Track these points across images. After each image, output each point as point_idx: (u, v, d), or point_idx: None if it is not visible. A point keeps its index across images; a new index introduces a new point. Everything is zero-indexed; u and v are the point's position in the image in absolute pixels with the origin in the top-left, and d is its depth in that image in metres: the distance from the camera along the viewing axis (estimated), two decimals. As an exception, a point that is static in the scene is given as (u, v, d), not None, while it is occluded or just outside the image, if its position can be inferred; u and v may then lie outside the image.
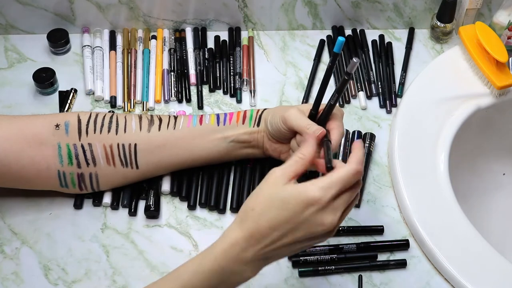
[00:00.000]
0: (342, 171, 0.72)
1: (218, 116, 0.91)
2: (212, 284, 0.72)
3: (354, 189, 0.74)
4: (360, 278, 0.87)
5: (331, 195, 0.71)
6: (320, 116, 0.84)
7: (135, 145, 0.89)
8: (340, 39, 0.77)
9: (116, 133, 0.89)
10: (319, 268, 0.87)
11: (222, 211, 0.93)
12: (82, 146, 0.88)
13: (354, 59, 0.76)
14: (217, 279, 0.72)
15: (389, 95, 1.07)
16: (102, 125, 0.89)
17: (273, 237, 0.71)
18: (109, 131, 0.89)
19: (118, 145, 0.88)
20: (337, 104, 0.85)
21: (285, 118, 0.85)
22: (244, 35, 1.14)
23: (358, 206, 0.94)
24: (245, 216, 0.72)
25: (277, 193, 0.72)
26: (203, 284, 0.72)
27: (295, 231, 0.71)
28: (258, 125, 0.90)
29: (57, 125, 0.87)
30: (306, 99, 1.06)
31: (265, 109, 0.91)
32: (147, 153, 0.89)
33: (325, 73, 0.83)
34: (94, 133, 0.88)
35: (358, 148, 0.76)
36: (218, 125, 0.90)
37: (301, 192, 0.71)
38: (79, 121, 0.88)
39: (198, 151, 0.90)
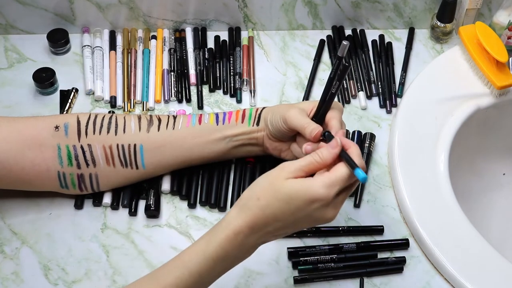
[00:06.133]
0: (346, 169, 0.74)
1: (217, 115, 0.91)
2: (217, 269, 0.75)
3: (353, 186, 0.77)
4: (361, 280, 0.87)
5: (335, 193, 0.73)
6: (321, 109, 0.84)
7: (135, 145, 0.89)
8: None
9: (116, 134, 0.89)
10: (319, 266, 0.87)
11: (222, 209, 0.93)
12: (82, 147, 0.88)
13: (344, 42, 0.76)
14: (222, 263, 0.75)
15: (389, 95, 1.07)
16: (102, 126, 0.89)
17: (276, 226, 0.74)
18: (108, 132, 0.89)
19: (117, 146, 0.88)
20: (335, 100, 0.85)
21: (285, 118, 0.85)
22: (244, 35, 1.14)
23: (358, 206, 0.94)
24: (249, 204, 0.74)
25: (284, 186, 0.73)
26: (209, 270, 0.75)
27: (297, 222, 0.75)
28: (257, 124, 0.90)
29: (56, 127, 0.87)
30: (306, 99, 1.06)
31: (264, 107, 0.91)
32: (147, 153, 0.89)
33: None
34: (94, 134, 0.88)
35: (353, 145, 0.77)
36: (217, 125, 0.90)
37: (307, 188, 0.73)
38: (78, 122, 0.88)
39: (198, 150, 0.90)
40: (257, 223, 0.74)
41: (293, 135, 0.88)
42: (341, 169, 0.74)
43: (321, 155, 0.75)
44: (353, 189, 0.77)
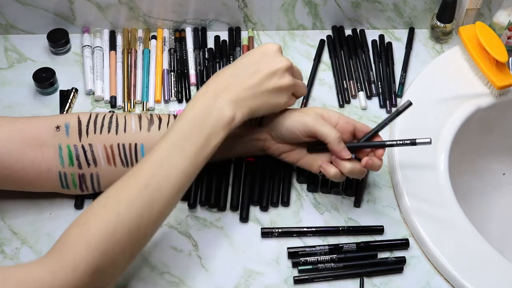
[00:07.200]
0: None
1: (217, 113, 0.92)
2: (197, 123, 0.81)
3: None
4: (361, 280, 0.87)
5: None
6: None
7: (135, 144, 0.89)
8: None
9: (116, 133, 0.89)
10: (319, 266, 0.87)
11: (222, 209, 0.93)
12: (83, 147, 0.88)
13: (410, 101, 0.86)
14: (202, 115, 0.81)
15: (389, 95, 1.07)
16: (102, 126, 0.89)
17: (239, 75, 0.84)
18: (109, 131, 0.89)
19: (118, 145, 0.88)
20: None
21: (307, 124, 0.86)
22: (244, 35, 1.14)
23: (358, 206, 0.94)
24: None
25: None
26: (190, 124, 0.81)
27: (254, 65, 0.85)
28: (259, 124, 0.90)
29: (57, 127, 0.87)
30: (306, 99, 1.06)
31: None
32: (147, 152, 0.89)
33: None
34: (94, 133, 0.88)
35: None
36: (218, 123, 0.91)
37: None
38: (79, 122, 0.88)
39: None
40: (224, 74, 0.85)
41: (305, 140, 0.89)
42: None
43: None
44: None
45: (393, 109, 1.05)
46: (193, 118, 0.81)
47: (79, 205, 0.92)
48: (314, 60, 1.11)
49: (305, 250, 0.88)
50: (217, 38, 1.13)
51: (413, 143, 0.85)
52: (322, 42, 1.13)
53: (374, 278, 0.88)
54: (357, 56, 1.11)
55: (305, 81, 1.08)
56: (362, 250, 0.89)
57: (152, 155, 0.79)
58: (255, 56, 0.86)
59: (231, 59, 1.10)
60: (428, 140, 0.84)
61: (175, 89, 1.06)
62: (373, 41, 1.14)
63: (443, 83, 1.05)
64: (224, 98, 0.82)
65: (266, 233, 0.90)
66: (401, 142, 0.86)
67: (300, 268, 0.87)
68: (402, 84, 1.08)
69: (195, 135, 0.80)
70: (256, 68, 0.85)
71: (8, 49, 1.11)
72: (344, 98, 1.07)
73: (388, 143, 0.87)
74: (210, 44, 1.13)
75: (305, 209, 0.94)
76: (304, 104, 1.05)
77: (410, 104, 0.86)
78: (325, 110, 0.89)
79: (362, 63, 1.11)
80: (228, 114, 0.81)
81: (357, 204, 0.94)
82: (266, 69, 0.85)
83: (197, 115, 0.81)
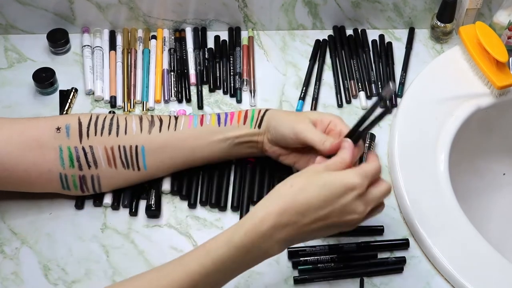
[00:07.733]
0: (372, 163, 0.78)
1: (218, 116, 0.91)
2: (240, 260, 0.74)
3: (379, 186, 0.78)
4: (361, 280, 0.87)
5: (368, 183, 0.76)
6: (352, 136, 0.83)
7: (136, 147, 0.89)
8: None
9: (117, 135, 0.89)
10: (319, 266, 0.87)
11: (223, 209, 0.93)
12: (83, 149, 0.87)
13: (391, 85, 0.85)
14: (246, 255, 0.73)
15: (389, 95, 1.07)
16: (103, 127, 0.89)
17: (307, 219, 0.73)
18: (109, 133, 0.89)
19: (119, 147, 0.88)
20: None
21: (297, 132, 0.85)
22: (244, 35, 1.14)
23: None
24: (280, 191, 0.74)
25: (321, 175, 0.75)
26: (233, 260, 0.73)
27: (329, 216, 0.74)
28: (259, 126, 0.90)
29: (58, 128, 0.87)
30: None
31: (266, 109, 0.91)
32: (148, 154, 0.89)
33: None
34: (95, 135, 0.88)
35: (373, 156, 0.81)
36: (219, 126, 0.90)
37: (343, 176, 0.75)
38: (80, 123, 0.88)
39: (199, 151, 0.90)
40: (287, 210, 0.72)
41: (297, 146, 0.88)
42: (368, 163, 0.78)
43: (341, 155, 0.79)
44: (382, 192, 0.78)
45: (393, 109, 1.05)
46: (237, 252, 0.73)
47: (79, 206, 0.92)
48: (319, 60, 1.10)
49: (305, 250, 0.88)
50: (217, 38, 1.13)
51: (380, 98, 0.82)
52: (325, 42, 1.13)
53: (374, 278, 0.88)
54: (358, 56, 1.11)
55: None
56: (362, 250, 0.89)
57: (185, 274, 0.73)
58: (337, 191, 0.74)
59: (231, 59, 1.10)
60: (390, 87, 0.84)
61: (175, 89, 1.06)
62: (373, 41, 1.14)
63: (443, 83, 1.05)
64: (279, 238, 0.73)
65: (266, 233, 0.90)
66: (372, 110, 0.82)
67: (300, 268, 0.87)
68: (402, 84, 1.08)
69: (233, 271, 0.75)
70: (329, 209, 0.74)
71: (8, 49, 1.11)
72: (345, 98, 1.07)
73: (366, 115, 0.83)
74: (210, 44, 1.13)
75: (305, 209, 0.94)
76: (314, 106, 1.05)
77: (391, 89, 0.83)
78: (319, 115, 0.88)
79: (363, 63, 1.11)
80: (276, 253, 0.75)
81: (357, 204, 0.94)
82: (336, 219, 0.75)
83: (244, 249, 0.73)
